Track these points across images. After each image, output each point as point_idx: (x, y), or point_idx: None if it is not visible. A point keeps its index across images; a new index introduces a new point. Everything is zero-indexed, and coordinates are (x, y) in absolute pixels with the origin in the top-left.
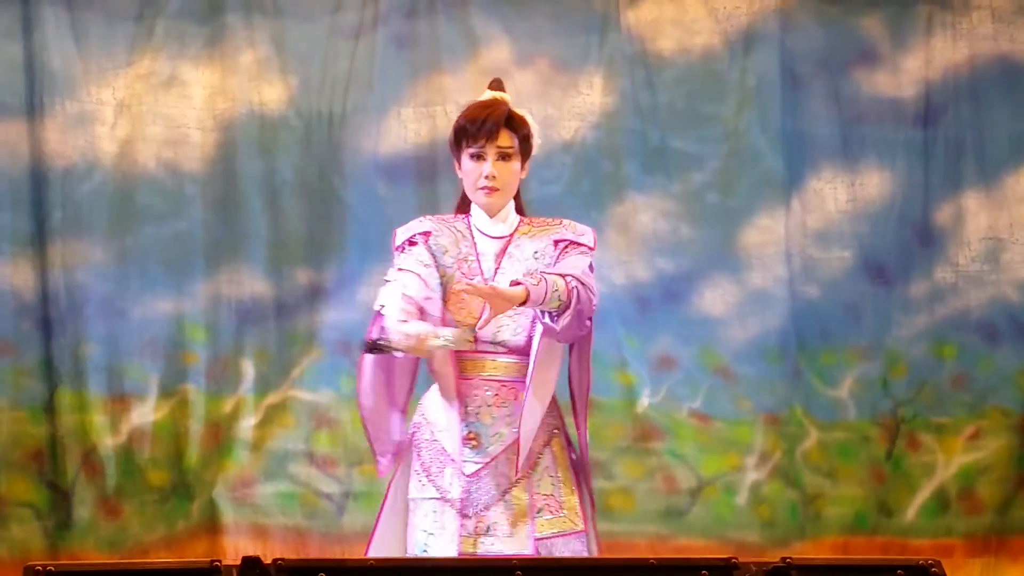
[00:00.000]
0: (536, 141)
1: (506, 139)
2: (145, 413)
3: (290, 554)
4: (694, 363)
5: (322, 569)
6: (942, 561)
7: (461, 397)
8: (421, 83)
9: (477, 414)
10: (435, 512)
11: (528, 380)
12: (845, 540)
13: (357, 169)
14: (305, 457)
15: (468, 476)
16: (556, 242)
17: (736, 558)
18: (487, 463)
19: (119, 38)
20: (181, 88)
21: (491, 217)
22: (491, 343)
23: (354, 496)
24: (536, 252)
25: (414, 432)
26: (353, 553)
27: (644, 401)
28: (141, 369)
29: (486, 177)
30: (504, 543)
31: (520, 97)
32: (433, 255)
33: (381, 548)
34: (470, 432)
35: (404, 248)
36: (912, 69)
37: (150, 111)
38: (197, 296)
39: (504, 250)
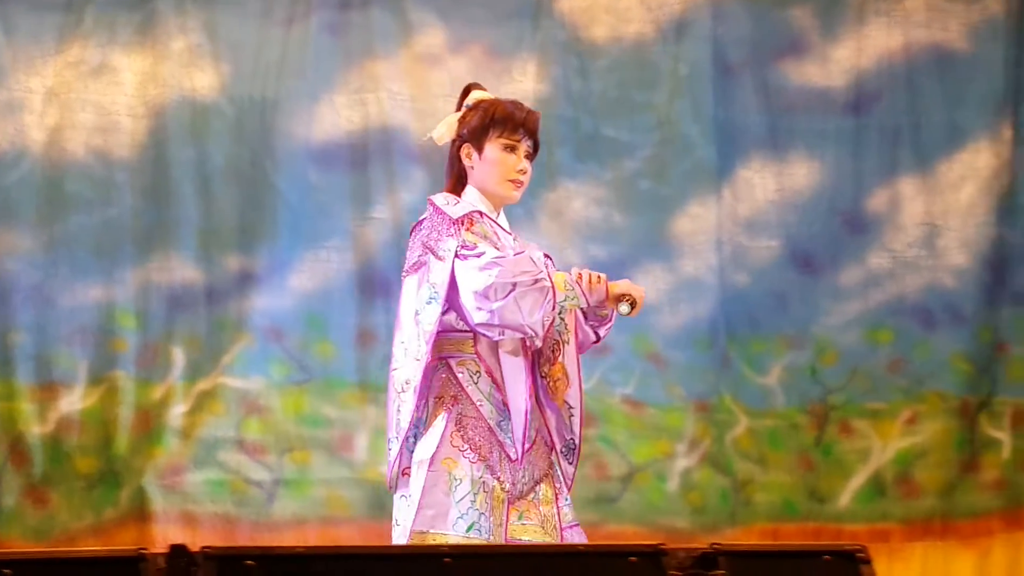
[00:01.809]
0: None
1: (531, 141)
2: (74, 401)
3: (219, 542)
4: (626, 349)
5: (250, 557)
6: (879, 546)
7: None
8: (354, 70)
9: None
10: (486, 493)
11: (578, 375)
12: (775, 527)
13: (289, 156)
14: (235, 444)
15: (512, 460)
16: (544, 255)
17: (664, 544)
18: (528, 449)
19: (48, 26)
20: (111, 75)
21: (497, 211)
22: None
23: (284, 484)
24: (538, 261)
25: (450, 409)
26: (283, 540)
27: None
28: (70, 357)
29: (520, 171)
30: (536, 532)
31: (454, 84)
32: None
33: (431, 522)
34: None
35: (466, 224)
36: (842, 59)
37: (79, 98)
38: (127, 283)
39: (515, 246)
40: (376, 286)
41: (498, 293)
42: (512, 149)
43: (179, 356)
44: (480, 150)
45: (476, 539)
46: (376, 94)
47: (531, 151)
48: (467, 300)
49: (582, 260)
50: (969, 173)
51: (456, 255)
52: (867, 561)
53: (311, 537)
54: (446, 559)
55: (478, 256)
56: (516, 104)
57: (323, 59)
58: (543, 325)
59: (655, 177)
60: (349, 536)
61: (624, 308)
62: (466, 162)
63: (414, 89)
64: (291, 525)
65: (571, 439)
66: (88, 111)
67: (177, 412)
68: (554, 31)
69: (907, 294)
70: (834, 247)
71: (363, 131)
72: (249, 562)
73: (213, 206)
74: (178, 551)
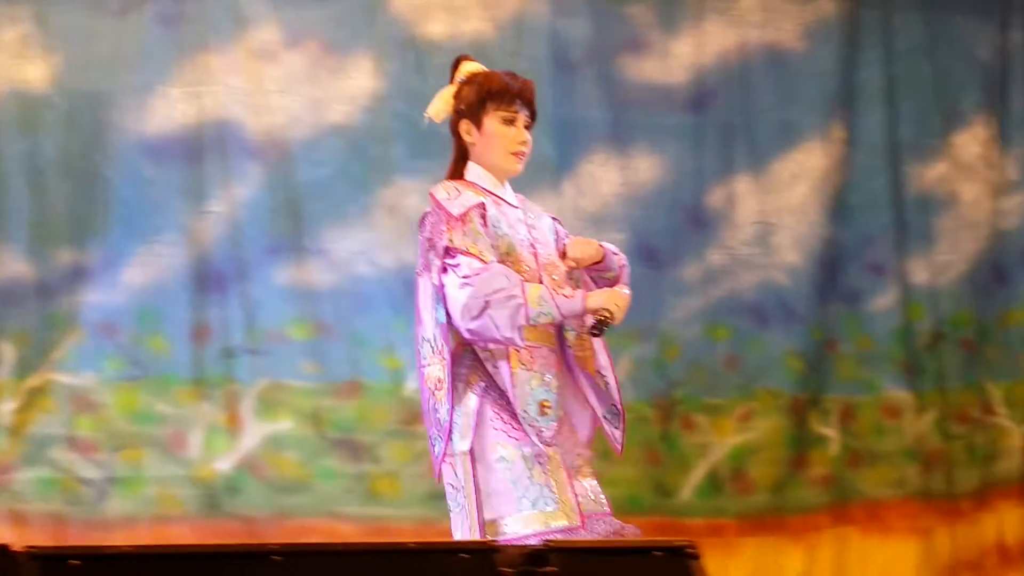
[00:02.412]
0: None
1: (529, 111)
2: None
3: (49, 541)
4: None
5: (75, 556)
6: (715, 541)
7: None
8: (188, 63)
9: (547, 383)
10: (541, 464)
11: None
12: (621, 521)
13: (122, 149)
14: (66, 442)
15: (547, 443)
16: (553, 219)
17: (495, 541)
18: (558, 429)
19: None
20: None
21: (502, 183)
22: None
23: (115, 482)
24: (549, 227)
25: (483, 394)
26: (115, 539)
27: (411, 384)
28: None
29: (522, 143)
30: (588, 503)
31: (289, 79)
32: (488, 227)
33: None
34: (544, 400)
35: (465, 221)
36: (682, 55)
37: None
38: None
39: (525, 220)
40: (211, 281)
41: (472, 311)
42: (511, 121)
43: (8, 352)
44: (479, 125)
45: (547, 511)
46: (211, 87)
47: (529, 120)
48: (452, 313)
49: (416, 258)
50: (802, 172)
51: (442, 266)
52: (696, 557)
53: (143, 536)
54: (275, 557)
55: (456, 267)
56: (511, 75)
57: (157, 51)
58: (521, 336)
59: None
60: (182, 535)
61: (590, 320)
62: (466, 138)
63: (249, 83)
64: (123, 524)
65: (612, 404)
66: None
67: (6, 409)
68: (390, 28)
69: (743, 291)
70: (677, 242)
71: (198, 125)
72: (74, 562)
73: (44, 200)
74: (0, 551)
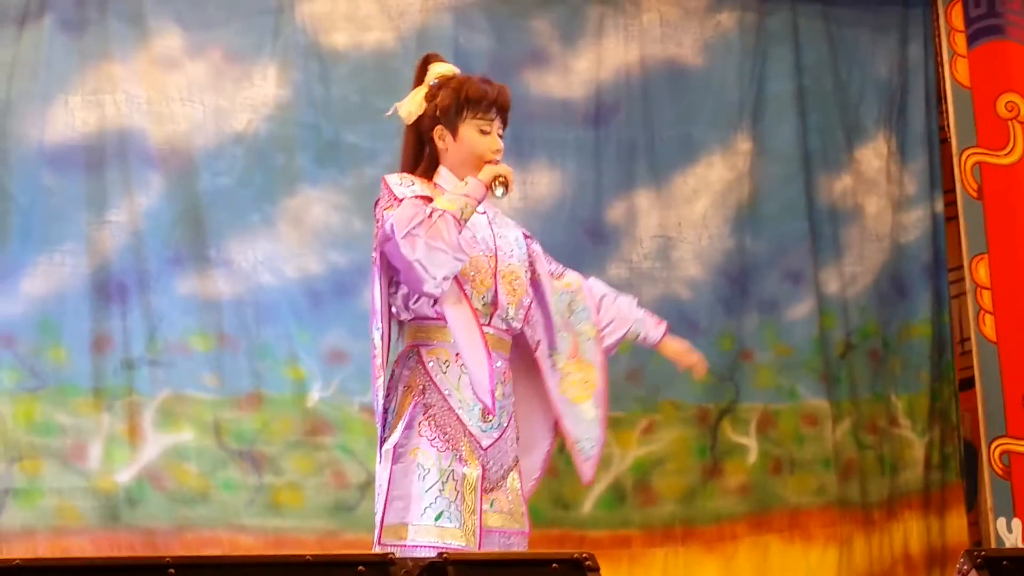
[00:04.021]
0: None
1: (503, 116)
2: None
3: None
4: (366, 357)
5: None
6: (621, 552)
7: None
8: (90, 71)
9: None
10: (455, 481)
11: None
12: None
13: (21, 158)
14: None
15: (484, 449)
16: (525, 236)
17: (393, 553)
18: (499, 437)
19: None
20: None
21: None
22: (505, 323)
23: (13, 493)
24: (516, 239)
25: (418, 398)
26: (12, 552)
27: (315, 395)
28: None
29: (497, 152)
30: (505, 520)
31: (191, 87)
32: None
33: (401, 514)
34: (486, 407)
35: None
36: (582, 70)
37: None
38: None
39: (489, 224)
40: (112, 291)
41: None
42: (486, 131)
43: None
44: (454, 132)
45: (447, 527)
46: (113, 96)
47: (503, 130)
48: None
49: (322, 267)
50: (702, 187)
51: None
52: (595, 569)
53: (41, 548)
54: (170, 570)
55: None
56: (486, 81)
57: (57, 59)
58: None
59: None
60: (81, 547)
61: (499, 192)
62: (439, 144)
63: (151, 92)
64: (20, 536)
65: (593, 435)
66: None
67: None
68: (295, 36)
69: (644, 305)
70: (576, 256)
71: (99, 133)
72: None
73: None
74: None
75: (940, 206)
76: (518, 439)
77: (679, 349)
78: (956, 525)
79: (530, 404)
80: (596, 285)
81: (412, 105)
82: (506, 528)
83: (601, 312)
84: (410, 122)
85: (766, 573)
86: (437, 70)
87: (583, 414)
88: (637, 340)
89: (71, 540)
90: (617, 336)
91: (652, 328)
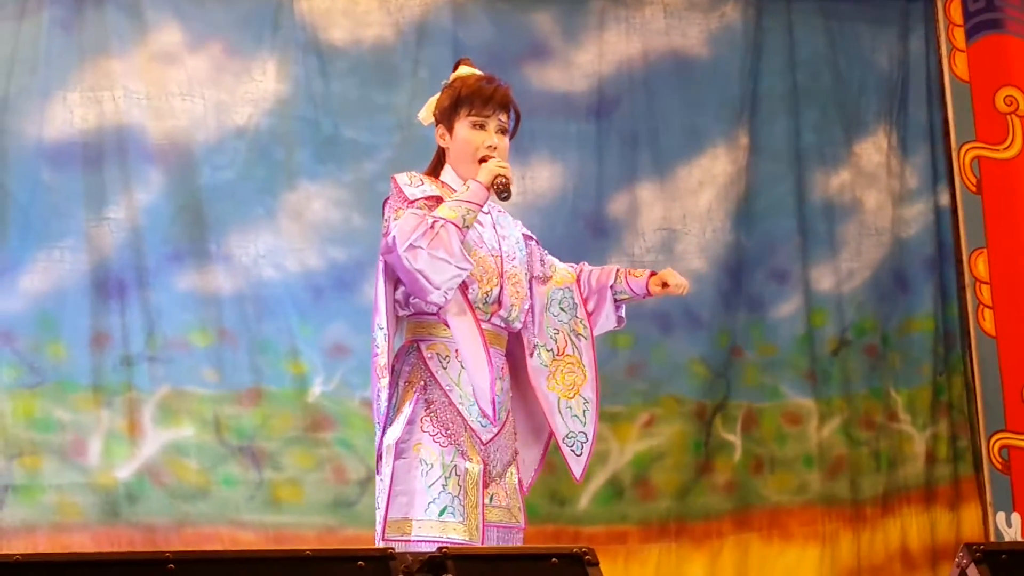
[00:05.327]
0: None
1: (505, 115)
2: None
3: None
4: (368, 352)
5: None
6: (617, 547)
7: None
8: (88, 67)
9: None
10: (458, 476)
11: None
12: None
13: (20, 154)
14: None
15: (484, 443)
16: (525, 237)
17: (392, 548)
18: (498, 432)
19: None
20: None
21: None
22: (504, 322)
23: (13, 490)
24: (517, 241)
25: (419, 394)
26: (12, 548)
27: (316, 390)
28: None
29: (490, 148)
30: (503, 514)
31: (191, 83)
32: None
33: (405, 509)
34: (486, 415)
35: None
36: (584, 64)
37: None
38: None
39: (493, 224)
40: (111, 287)
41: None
42: (481, 126)
43: None
44: (451, 130)
45: (451, 522)
46: (111, 92)
47: (506, 125)
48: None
49: (322, 262)
50: (707, 179)
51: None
52: (594, 563)
53: (41, 544)
54: (170, 565)
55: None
56: (485, 78)
57: (56, 55)
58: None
59: None
60: (81, 543)
61: (503, 196)
62: (441, 143)
63: (151, 87)
64: (20, 532)
65: (582, 431)
66: None
67: None
68: (294, 32)
69: (646, 299)
70: (578, 250)
71: (98, 130)
72: None
73: None
74: None
75: (945, 199)
76: (516, 433)
77: (667, 280)
78: (972, 519)
79: (527, 398)
80: (583, 276)
81: (425, 109)
82: (504, 523)
83: (588, 304)
84: (426, 124)
85: (747, 571)
86: (456, 72)
87: (570, 412)
88: (630, 300)
89: (71, 536)
90: (604, 313)
91: (635, 283)
